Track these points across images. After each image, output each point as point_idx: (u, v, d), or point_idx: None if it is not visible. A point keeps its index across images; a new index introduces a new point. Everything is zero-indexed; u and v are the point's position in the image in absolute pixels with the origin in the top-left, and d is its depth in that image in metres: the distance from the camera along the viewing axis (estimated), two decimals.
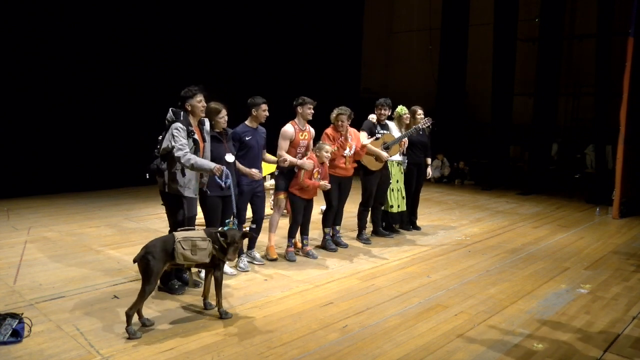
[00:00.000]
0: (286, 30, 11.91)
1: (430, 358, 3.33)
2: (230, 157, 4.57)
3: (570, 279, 5.02)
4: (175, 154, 4.06)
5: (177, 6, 9.97)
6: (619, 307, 4.32)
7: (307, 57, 12.39)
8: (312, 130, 5.55)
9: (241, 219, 4.98)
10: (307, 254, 5.53)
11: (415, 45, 14.88)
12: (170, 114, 4.25)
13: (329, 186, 5.40)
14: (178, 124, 4.14)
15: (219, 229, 3.87)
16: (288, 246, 5.48)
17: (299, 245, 5.65)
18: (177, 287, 4.36)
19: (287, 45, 11.95)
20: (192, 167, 4.08)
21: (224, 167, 4.10)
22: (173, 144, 4.08)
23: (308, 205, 5.50)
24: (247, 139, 4.93)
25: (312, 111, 5.41)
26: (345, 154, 5.65)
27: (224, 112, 4.55)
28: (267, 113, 5.04)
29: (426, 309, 4.15)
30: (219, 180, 4.11)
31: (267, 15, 11.51)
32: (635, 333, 3.81)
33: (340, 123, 5.58)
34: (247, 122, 5.05)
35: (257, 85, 10.27)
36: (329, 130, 5.68)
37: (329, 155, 5.41)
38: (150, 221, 6.94)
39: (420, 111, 6.65)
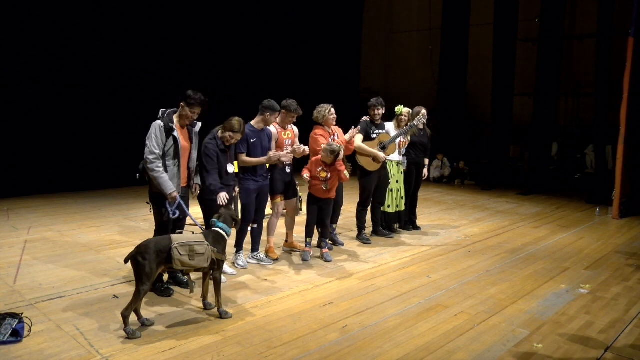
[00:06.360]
0: (285, 30, 11.91)
1: (430, 358, 3.33)
2: (230, 168, 4.58)
3: (570, 279, 5.02)
4: (146, 156, 4.03)
5: (177, 6, 9.97)
6: (619, 307, 4.32)
7: (306, 58, 12.39)
8: (296, 129, 5.48)
9: (249, 218, 4.99)
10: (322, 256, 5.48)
11: (415, 45, 14.87)
12: (160, 114, 4.21)
13: (347, 177, 5.28)
14: (158, 122, 4.09)
15: (214, 226, 3.87)
16: (305, 245, 5.49)
17: (295, 244, 5.69)
18: (163, 289, 4.29)
19: (286, 45, 11.95)
20: (154, 179, 4.06)
21: (178, 197, 4.11)
22: (147, 142, 4.04)
23: (322, 205, 5.40)
24: (251, 141, 4.89)
25: (294, 120, 5.33)
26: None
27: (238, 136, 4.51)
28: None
29: (426, 309, 4.15)
30: (168, 208, 4.12)
31: (267, 15, 11.51)
32: (635, 333, 3.81)
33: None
34: (252, 123, 4.99)
35: (256, 86, 10.30)
36: (318, 131, 5.59)
37: (332, 156, 5.20)
38: (150, 221, 6.91)
39: (423, 111, 6.51)
